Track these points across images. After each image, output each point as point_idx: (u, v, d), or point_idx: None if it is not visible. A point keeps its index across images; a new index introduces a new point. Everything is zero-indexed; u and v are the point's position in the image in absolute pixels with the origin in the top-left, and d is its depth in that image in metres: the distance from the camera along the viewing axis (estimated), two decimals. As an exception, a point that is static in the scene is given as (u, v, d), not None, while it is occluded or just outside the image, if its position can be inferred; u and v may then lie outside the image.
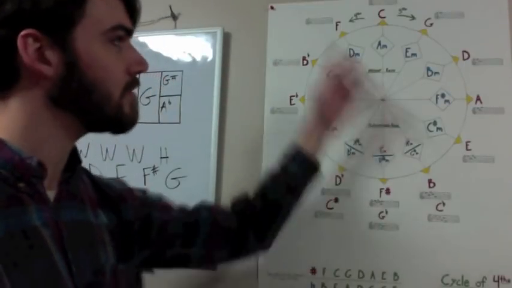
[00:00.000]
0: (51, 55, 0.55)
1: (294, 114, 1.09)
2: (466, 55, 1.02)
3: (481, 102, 1.01)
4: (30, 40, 0.53)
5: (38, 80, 0.55)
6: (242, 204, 0.88)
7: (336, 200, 1.04)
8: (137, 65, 0.63)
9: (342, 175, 1.05)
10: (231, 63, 1.17)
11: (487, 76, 1.01)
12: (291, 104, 1.10)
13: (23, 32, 0.53)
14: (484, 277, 0.95)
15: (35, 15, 0.53)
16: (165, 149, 1.15)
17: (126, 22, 0.62)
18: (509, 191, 0.96)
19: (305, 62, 1.10)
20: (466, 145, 0.99)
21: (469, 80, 1.01)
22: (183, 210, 0.84)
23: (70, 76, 0.56)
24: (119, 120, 0.61)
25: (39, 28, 0.53)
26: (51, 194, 0.58)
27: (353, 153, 1.05)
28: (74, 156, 0.65)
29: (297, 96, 1.10)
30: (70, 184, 0.62)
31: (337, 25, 1.10)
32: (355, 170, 1.04)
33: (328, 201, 1.04)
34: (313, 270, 1.03)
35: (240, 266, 1.08)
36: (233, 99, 1.16)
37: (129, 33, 0.62)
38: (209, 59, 1.16)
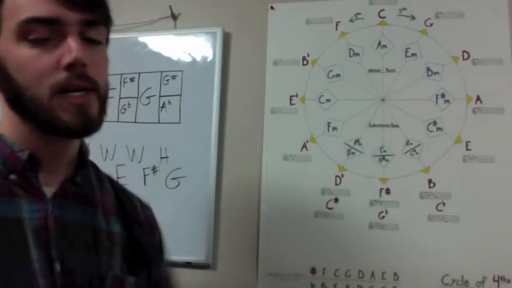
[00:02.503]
0: None
1: (294, 114, 1.09)
2: (466, 55, 1.02)
3: (481, 102, 1.01)
4: None
5: None
6: None
7: (336, 200, 1.04)
8: (65, 57, 0.52)
9: (342, 175, 1.05)
10: (231, 63, 1.17)
11: (487, 76, 1.01)
12: (291, 104, 1.10)
13: None
14: (484, 277, 0.95)
15: None
16: (165, 149, 1.15)
17: (45, 12, 0.51)
18: (509, 191, 0.97)
19: (305, 62, 1.10)
20: (466, 145, 0.99)
21: (469, 80, 1.01)
22: None
23: (2, 79, 0.55)
24: (56, 127, 0.53)
25: None
26: (50, 190, 0.57)
27: (353, 153, 1.05)
28: (81, 159, 0.64)
29: (296, 96, 1.10)
30: (80, 186, 0.61)
31: (337, 25, 1.10)
32: (355, 170, 1.04)
33: (328, 201, 1.04)
34: (313, 270, 1.03)
35: (240, 266, 1.08)
36: (233, 99, 1.15)
37: (53, 22, 0.52)
38: (209, 59, 1.16)
